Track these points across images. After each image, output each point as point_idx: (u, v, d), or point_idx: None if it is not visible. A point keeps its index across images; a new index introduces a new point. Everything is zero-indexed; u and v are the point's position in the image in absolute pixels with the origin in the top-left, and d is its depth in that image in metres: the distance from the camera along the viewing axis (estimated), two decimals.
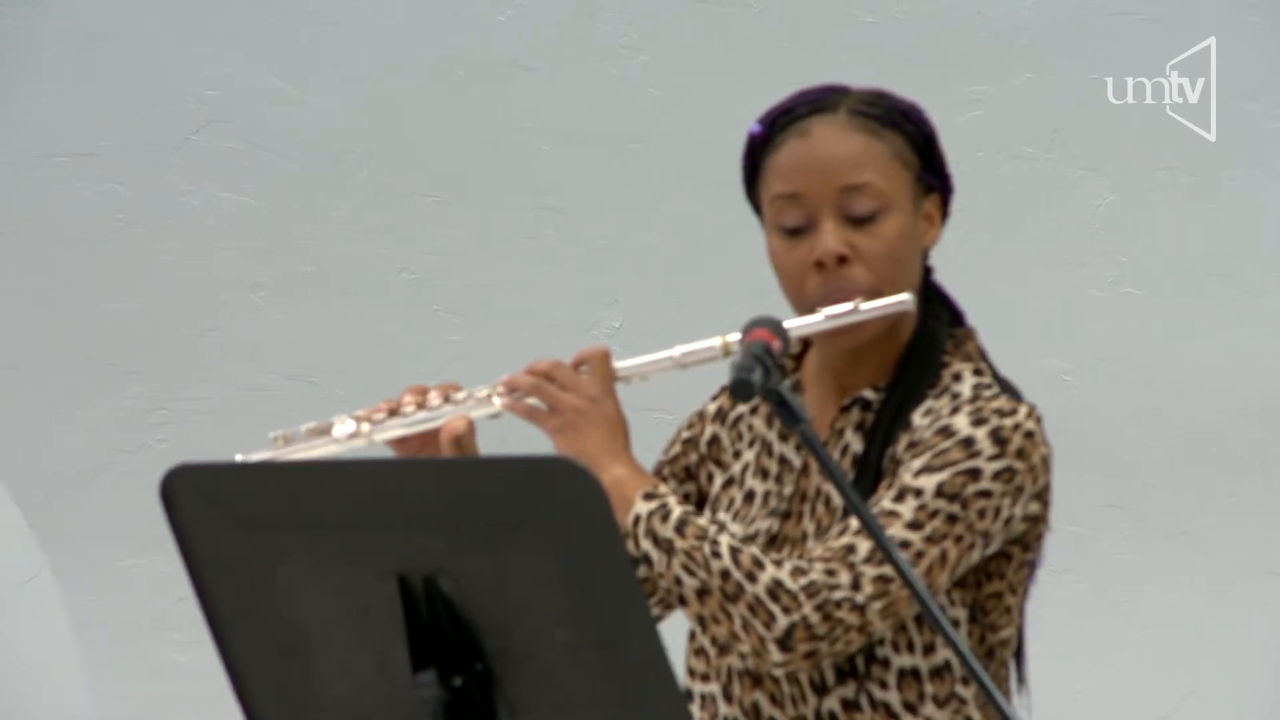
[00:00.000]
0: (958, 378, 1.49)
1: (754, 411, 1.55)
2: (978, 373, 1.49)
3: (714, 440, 1.60)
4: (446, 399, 1.47)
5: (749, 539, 1.46)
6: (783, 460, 1.51)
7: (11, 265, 3.33)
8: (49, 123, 3.29)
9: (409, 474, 1.21)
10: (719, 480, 1.58)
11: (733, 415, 1.58)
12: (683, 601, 1.41)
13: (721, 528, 1.42)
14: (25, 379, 3.39)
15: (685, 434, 1.62)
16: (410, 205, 3.16)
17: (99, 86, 3.24)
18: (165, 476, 1.20)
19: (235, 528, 1.21)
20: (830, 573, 1.37)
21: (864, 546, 1.38)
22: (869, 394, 1.49)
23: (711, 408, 1.60)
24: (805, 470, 1.49)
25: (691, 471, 1.62)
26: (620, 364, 1.48)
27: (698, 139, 2.53)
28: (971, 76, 2.81)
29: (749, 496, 1.52)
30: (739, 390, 1.26)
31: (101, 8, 3.25)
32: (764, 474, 1.52)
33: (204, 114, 3.19)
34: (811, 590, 1.36)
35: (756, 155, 1.51)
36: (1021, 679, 1.52)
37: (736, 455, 1.56)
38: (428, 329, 3.14)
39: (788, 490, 1.49)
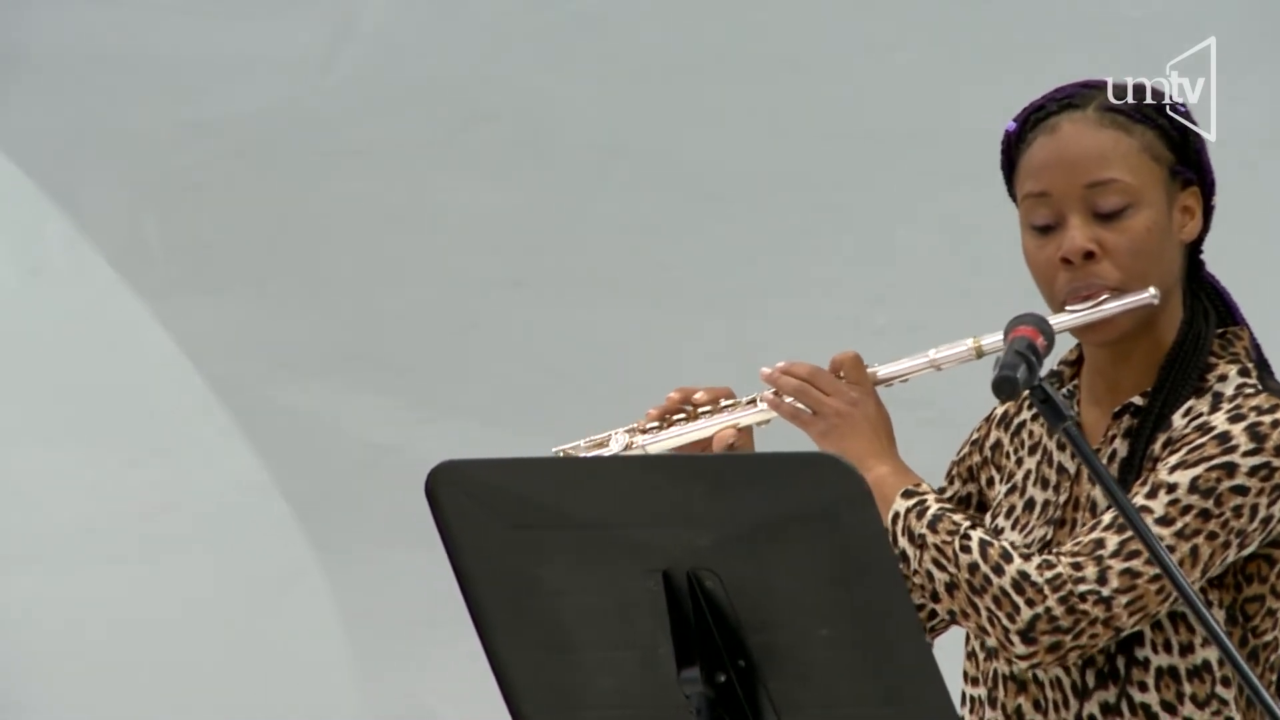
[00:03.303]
0: (1223, 379, 1.45)
1: (1035, 418, 1.54)
2: (1244, 373, 1.45)
3: (996, 444, 1.59)
4: (715, 405, 1.50)
5: (1025, 546, 1.46)
6: (1060, 468, 1.50)
7: (280, 264, 3.44)
8: (316, 122, 3.46)
9: (674, 471, 1.22)
10: (1000, 486, 1.57)
11: (1016, 421, 1.57)
12: (935, 597, 1.41)
13: (975, 523, 1.42)
14: (293, 378, 3.51)
15: (973, 435, 1.62)
16: (675, 203, 3.17)
17: (367, 85, 3.38)
18: (430, 473, 1.23)
19: (500, 524, 1.23)
20: (1077, 566, 1.36)
21: (1113, 541, 1.36)
22: (1138, 400, 1.46)
23: (998, 411, 1.59)
24: (1078, 477, 1.47)
25: (974, 473, 1.61)
26: (877, 368, 1.49)
27: (966, 135, 2.47)
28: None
29: (1029, 504, 1.51)
30: (1003, 387, 1.25)
31: (369, 8, 3.33)
32: (1044, 482, 1.51)
33: (470, 112, 3.23)
34: (1056, 583, 1.35)
35: (1011, 153, 1.50)
36: None
37: (1019, 462, 1.55)
38: (692, 326, 3.13)
39: (1063, 498, 1.48)
